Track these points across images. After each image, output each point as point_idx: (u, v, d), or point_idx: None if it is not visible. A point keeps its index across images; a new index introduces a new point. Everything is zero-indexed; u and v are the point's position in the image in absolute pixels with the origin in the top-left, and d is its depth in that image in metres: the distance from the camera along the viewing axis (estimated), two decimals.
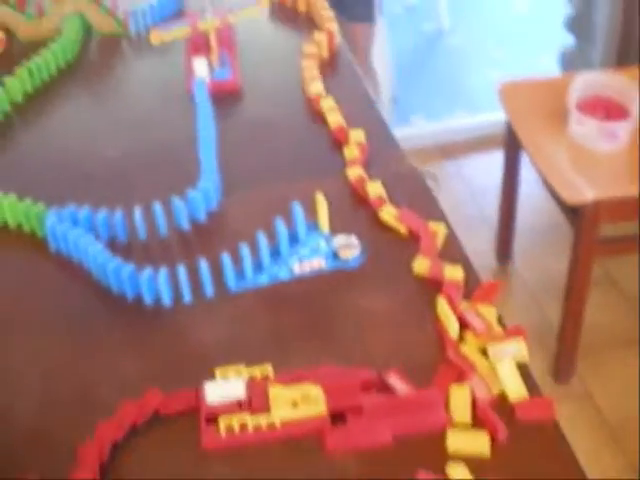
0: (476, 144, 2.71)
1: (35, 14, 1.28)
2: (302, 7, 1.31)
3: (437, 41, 3.35)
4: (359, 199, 0.92)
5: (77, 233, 0.87)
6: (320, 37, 1.17)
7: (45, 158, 1.05)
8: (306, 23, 1.28)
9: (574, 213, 1.79)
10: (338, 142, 1.01)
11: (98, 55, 1.28)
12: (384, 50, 2.71)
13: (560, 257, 1.96)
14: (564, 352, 1.97)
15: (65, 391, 0.75)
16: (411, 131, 2.77)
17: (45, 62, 1.19)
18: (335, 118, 1.02)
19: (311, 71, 1.10)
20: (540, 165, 1.80)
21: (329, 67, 1.17)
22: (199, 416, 0.69)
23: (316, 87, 1.07)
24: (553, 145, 1.84)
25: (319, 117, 1.06)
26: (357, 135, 0.99)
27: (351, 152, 0.97)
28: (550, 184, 1.75)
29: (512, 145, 2.10)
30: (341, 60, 1.19)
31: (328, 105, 1.05)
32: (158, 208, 0.89)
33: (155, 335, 0.80)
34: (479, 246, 2.30)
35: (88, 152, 1.05)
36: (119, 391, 0.73)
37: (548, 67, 2.78)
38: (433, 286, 0.81)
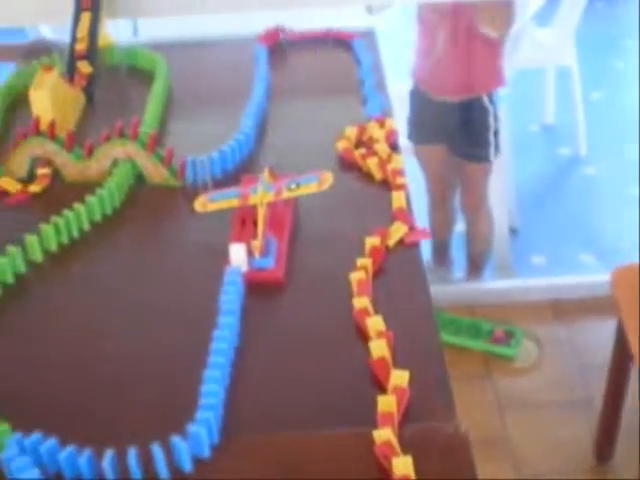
0: (593, 305, 2.40)
1: (83, 155, 1.15)
2: (378, 175, 1.14)
3: (571, 168, 3.12)
4: (383, 472, 0.74)
5: (30, 477, 0.71)
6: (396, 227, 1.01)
7: (34, 348, 0.91)
8: (381, 197, 1.10)
9: None
10: (376, 380, 0.82)
11: (144, 207, 1.13)
12: (505, 184, 2.53)
13: None
14: None
15: None
16: (519, 284, 2.52)
17: (88, 210, 1.09)
18: (378, 348, 0.84)
19: (359, 280, 0.92)
20: None
21: (396, 260, 1.00)
22: None
23: (361, 302, 0.90)
24: None
25: (364, 336, 0.88)
26: (399, 378, 0.81)
27: (385, 403, 0.79)
28: None
29: (621, 353, 1.75)
30: (412, 254, 1.00)
31: (373, 327, 0.87)
32: (132, 455, 0.73)
33: None
34: (576, 433, 2.03)
35: (84, 348, 0.90)
36: None
37: None
38: None
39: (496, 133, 2.30)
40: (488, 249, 2.55)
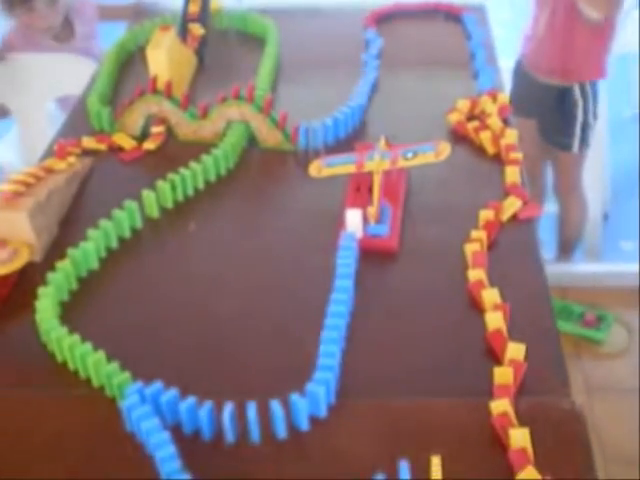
0: None
1: (198, 115, 1.16)
2: (491, 149, 1.13)
3: None
4: (498, 443, 0.74)
5: (151, 425, 0.73)
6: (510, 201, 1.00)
7: (149, 302, 0.93)
8: (494, 171, 1.10)
9: None
10: (492, 351, 0.82)
11: (257, 169, 1.14)
12: (600, 170, 2.49)
13: None
14: None
15: None
16: (610, 269, 2.48)
17: (204, 169, 1.10)
18: (493, 320, 0.84)
19: (474, 252, 0.92)
20: None
21: (509, 234, 0.99)
22: None
23: (476, 274, 0.89)
24: None
25: (478, 308, 0.87)
26: (516, 351, 0.80)
27: (502, 375, 0.78)
28: None
29: None
30: (526, 229, 0.99)
31: (489, 300, 0.87)
32: (252, 409, 0.74)
33: None
34: None
35: (199, 306, 0.91)
36: None
37: None
38: None
39: (584, 126, 2.25)
40: (579, 234, 2.52)
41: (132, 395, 0.76)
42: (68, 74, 2.04)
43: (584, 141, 2.27)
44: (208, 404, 0.75)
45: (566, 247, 2.53)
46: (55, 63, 2.14)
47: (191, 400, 0.75)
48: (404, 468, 0.65)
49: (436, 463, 0.65)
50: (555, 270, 2.46)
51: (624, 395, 2.09)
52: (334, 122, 1.16)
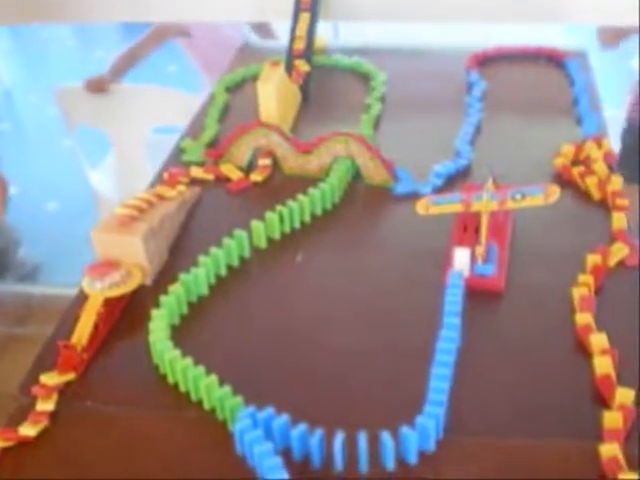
0: None
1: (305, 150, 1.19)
2: (597, 195, 1.13)
3: None
4: None
5: (263, 450, 0.74)
6: (618, 247, 1.00)
7: (257, 330, 0.94)
8: (600, 216, 1.10)
9: None
10: (600, 396, 0.82)
11: (362, 204, 1.16)
12: None
13: None
14: None
15: None
16: None
17: (311, 202, 1.12)
18: (602, 365, 0.84)
19: (582, 296, 0.92)
20: None
21: (616, 280, 0.99)
22: None
23: (584, 318, 0.89)
24: None
25: (585, 351, 0.87)
26: (625, 396, 0.80)
27: (612, 419, 0.78)
28: None
29: None
30: (633, 277, 0.99)
31: (597, 344, 0.87)
32: (363, 439, 0.75)
33: None
34: None
35: (308, 336, 0.93)
36: None
37: None
38: None
39: None
40: None
41: (244, 419, 0.77)
42: (170, 106, 2.09)
43: None
44: (319, 432, 0.76)
45: None
46: (157, 94, 2.20)
47: (302, 427, 0.76)
48: None
49: None
50: None
51: None
52: (444, 167, 1.17)
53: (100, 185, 2.43)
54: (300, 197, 1.10)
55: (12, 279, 2.47)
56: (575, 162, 1.22)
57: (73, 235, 2.72)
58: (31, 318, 2.37)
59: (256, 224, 1.06)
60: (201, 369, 0.84)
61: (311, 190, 1.11)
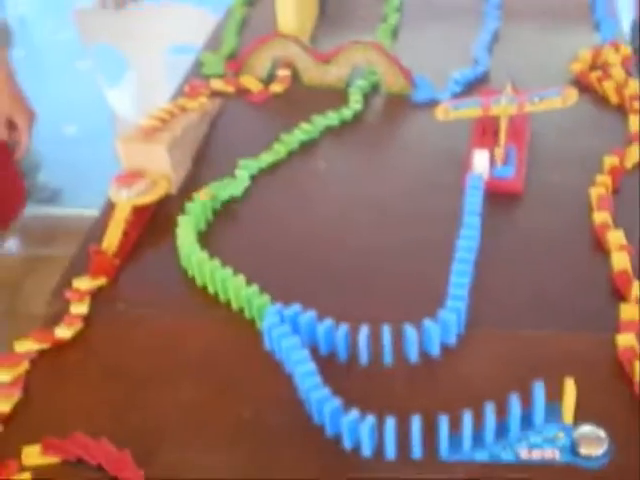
0: None
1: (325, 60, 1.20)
2: (614, 99, 1.14)
3: None
4: (624, 378, 0.76)
5: (291, 343, 0.77)
6: (635, 149, 1.01)
7: (282, 233, 0.97)
8: (617, 120, 1.11)
9: None
10: (618, 292, 0.84)
11: (382, 113, 1.17)
12: None
13: None
14: None
15: None
16: None
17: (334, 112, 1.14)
18: (620, 261, 0.86)
19: (600, 195, 0.94)
20: None
21: (632, 181, 1.01)
22: None
23: (601, 216, 0.91)
24: None
25: (603, 249, 0.89)
26: None
27: (629, 311, 0.80)
28: None
29: None
30: None
31: (615, 241, 0.89)
32: (387, 332, 0.78)
33: None
34: None
35: (332, 237, 0.95)
36: None
37: None
38: None
39: None
40: None
41: (272, 315, 0.80)
42: (186, 24, 2.08)
43: None
44: (344, 326, 0.79)
45: None
46: (174, 13, 2.19)
47: (328, 322, 0.79)
48: (539, 388, 0.67)
49: (570, 385, 0.67)
50: None
51: None
52: (461, 74, 1.18)
53: (118, 104, 2.44)
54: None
55: (32, 203, 2.50)
56: (593, 67, 1.23)
57: (92, 159, 2.75)
58: (55, 240, 2.41)
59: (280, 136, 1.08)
60: (229, 270, 0.86)
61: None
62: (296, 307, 0.81)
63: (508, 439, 0.69)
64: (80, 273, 0.91)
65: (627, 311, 0.81)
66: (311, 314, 0.80)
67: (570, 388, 0.67)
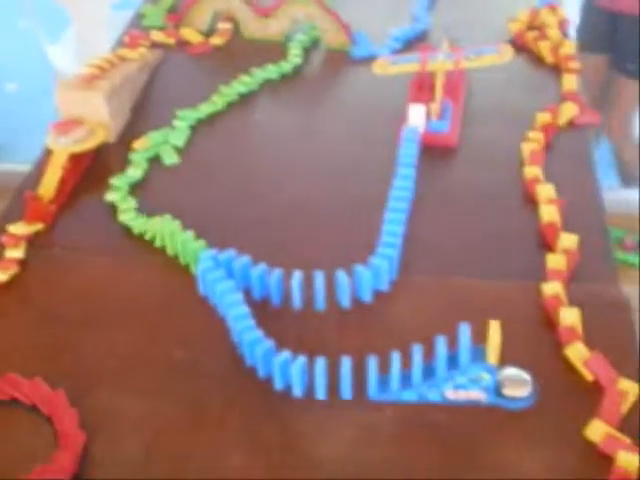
0: None
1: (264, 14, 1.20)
2: (549, 59, 1.16)
3: None
4: (547, 322, 0.78)
5: (225, 287, 0.78)
6: (567, 106, 1.03)
7: (217, 183, 0.98)
8: (552, 79, 1.13)
9: None
10: (545, 243, 0.86)
11: (321, 68, 1.18)
12: None
13: None
14: None
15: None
16: None
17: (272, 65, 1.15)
18: (548, 213, 0.88)
19: (532, 151, 0.96)
20: None
21: (564, 138, 1.03)
22: None
23: (532, 171, 0.93)
24: None
25: (533, 202, 0.92)
26: (569, 241, 0.85)
27: (555, 261, 0.83)
28: None
29: None
30: (581, 135, 1.03)
31: (544, 194, 0.91)
32: (319, 278, 0.79)
33: (272, 427, 0.70)
34: None
35: (268, 188, 0.96)
36: None
37: None
38: (606, 462, 0.66)
39: None
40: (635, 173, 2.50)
41: (206, 260, 0.81)
42: None
43: None
44: (278, 271, 0.80)
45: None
46: None
47: (262, 266, 0.80)
48: (464, 329, 0.69)
49: (495, 326, 0.70)
50: None
51: None
52: (398, 31, 1.20)
53: (59, 60, 2.41)
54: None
55: None
56: (530, 28, 1.24)
57: (33, 116, 2.71)
58: None
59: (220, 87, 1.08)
60: (167, 217, 0.87)
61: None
62: (230, 252, 0.82)
63: (435, 380, 0.71)
64: (17, 218, 0.90)
65: (553, 261, 0.83)
66: (245, 259, 0.81)
67: (494, 330, 0.69)
